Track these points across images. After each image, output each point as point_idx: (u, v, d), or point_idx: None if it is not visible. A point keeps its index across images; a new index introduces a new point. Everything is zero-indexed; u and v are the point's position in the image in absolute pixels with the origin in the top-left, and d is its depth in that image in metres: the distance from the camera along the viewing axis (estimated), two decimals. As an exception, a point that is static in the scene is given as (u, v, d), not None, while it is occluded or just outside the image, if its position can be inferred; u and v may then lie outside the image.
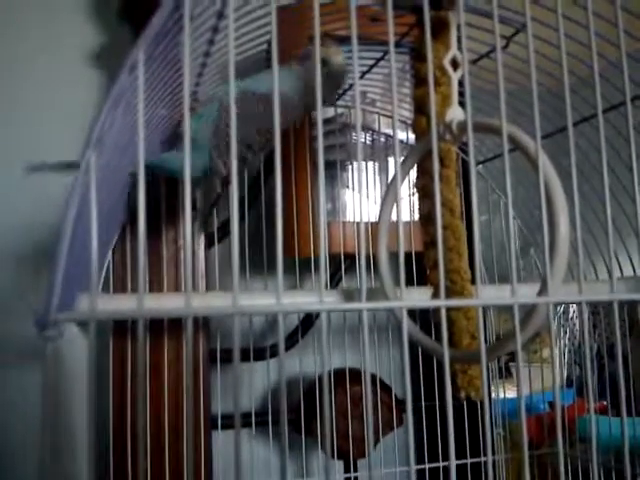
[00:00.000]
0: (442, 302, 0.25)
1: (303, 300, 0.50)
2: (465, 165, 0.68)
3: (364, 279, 0.26)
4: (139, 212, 0.23)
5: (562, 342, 0.92)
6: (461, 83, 0.58)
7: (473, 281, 0.63)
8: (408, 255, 0.65)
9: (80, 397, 0.50)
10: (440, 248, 0.26)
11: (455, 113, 0.38)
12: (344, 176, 0.69)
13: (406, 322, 0.27)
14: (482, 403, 0.26)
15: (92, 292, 0.20)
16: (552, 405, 0.78)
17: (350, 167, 0.69)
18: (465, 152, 0.67)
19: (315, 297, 0.49)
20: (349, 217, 0.68)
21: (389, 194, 0.45)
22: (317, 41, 0.27)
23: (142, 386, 0.27)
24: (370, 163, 0.70)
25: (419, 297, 0.48)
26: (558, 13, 0.33)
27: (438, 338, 0.41)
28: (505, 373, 0.85)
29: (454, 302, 0.37)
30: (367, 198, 0.68)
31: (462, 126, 0.38)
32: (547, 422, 0.76)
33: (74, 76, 0.70)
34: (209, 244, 0.60)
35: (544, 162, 0.33)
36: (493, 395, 0.74)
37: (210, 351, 0.59)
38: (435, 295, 0.41)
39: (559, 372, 0.84)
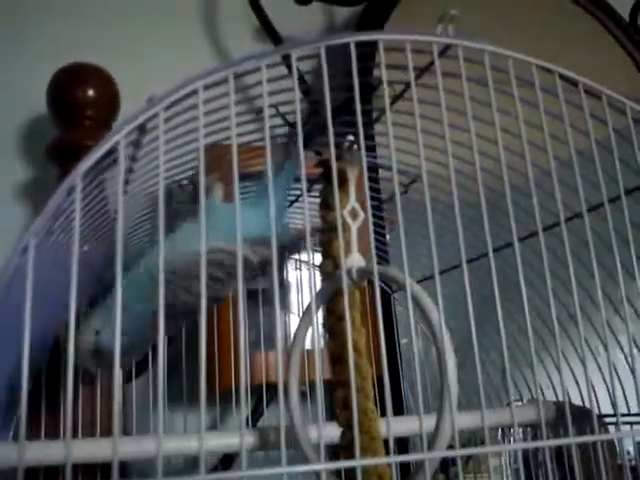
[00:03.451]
0: (358, 462, 0.26)
1: (226, 442, 0.50)
2: (385, 294, 0.71)
3: (284, 443, 0.26)
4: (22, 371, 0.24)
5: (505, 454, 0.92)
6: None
7: (399, 411, 0.63)
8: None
9: None
10: (355, 420, 0.27)
11: (354, 260, 0.41)
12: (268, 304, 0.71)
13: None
14: None
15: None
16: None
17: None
18: (385, 282, 0.71)
19: (237, 438, 0.49)
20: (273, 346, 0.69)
21: (301, 327, 0.47)
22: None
23: None
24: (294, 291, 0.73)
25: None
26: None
27: (346, 477, 0.42)
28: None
29: (369, 461, 0.38)
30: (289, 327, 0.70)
31: (361, 272, 0.41)
32: None
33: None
34: (127, 379, 0.60)
35: (424, 302, 0.35)
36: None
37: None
38: (343, 436, 0.41)
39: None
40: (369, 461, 0.34)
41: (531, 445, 0.30)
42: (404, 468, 0.60)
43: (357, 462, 0.25)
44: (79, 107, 0.65)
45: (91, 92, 0.66)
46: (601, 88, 0.39)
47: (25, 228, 0.72)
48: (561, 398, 0.60)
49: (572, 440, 0.28)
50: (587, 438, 0.30)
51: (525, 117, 0.39)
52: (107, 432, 0.58)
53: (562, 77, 0.38)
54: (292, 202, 0.64)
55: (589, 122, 0.38)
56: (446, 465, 0.82)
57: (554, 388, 0.62)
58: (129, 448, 0.41)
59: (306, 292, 0.74)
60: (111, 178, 0.39)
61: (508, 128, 0.40)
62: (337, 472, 0.45)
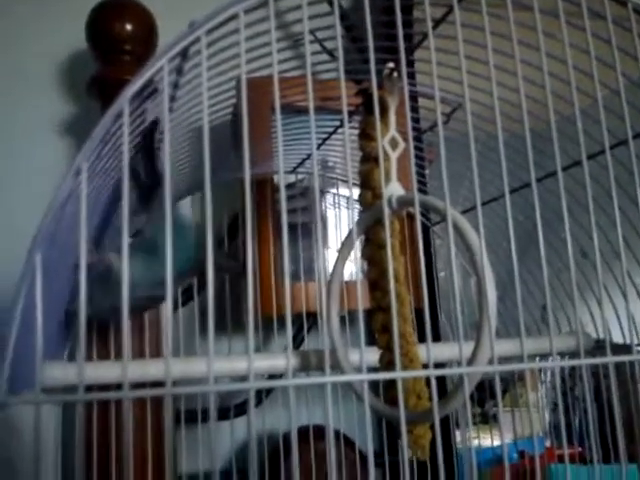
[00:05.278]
0: (398, 374, 0.28)
1: (271, 364, 0.52)
2: (424, 227, 0.71)
3: (327, 352, 0.27)
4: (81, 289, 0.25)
5: (543, 387, 0.94)
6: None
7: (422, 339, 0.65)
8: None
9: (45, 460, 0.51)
10: (395, 325, 0.28)
11: (394, 189, 0.42)
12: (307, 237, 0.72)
13: (367, 394, 0.29)
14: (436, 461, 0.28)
15: (37, 384, 0.23)
16: (522, 454, 0.80)
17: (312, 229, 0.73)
18: (424, 215, 0.71)
19: (282, 360, 0.51)
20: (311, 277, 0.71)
21: (340, 256, 0.47)
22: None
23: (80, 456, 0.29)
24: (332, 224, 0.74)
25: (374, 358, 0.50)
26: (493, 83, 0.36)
27: (384, 397, 0.43)
28: (484, 419, 0.87)
29: (409, 373, 0.40)
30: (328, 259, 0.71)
31: (400, 201, 0.41)
32: (513, 472, 0.77)
33: (42, 144, 0.73)
34: (174, 308, 0.62)
35: (465, 228, 0.35)
36: (461, 443, 0.75)
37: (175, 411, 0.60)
38: (382, 358, 0.43)
39: (539, 418, 0.85)
40: (409, 373, 0.35)
41: (570, 363, 0.31)
42: (441, 393, 0.62)
43: (397, 374, 0.27)
44: (117, 42, 0.65)
45: (129, 26, 0.66)
46: (653, 7, 0.37)
47: (68, 161, 0.74)
48: (601, 333, 0.61)
49: (610, 359, 0.29)
50: (625, 357, 0.31)
51: (572, 42, 0.38)
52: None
53: (610, -4, 0.36)
54: (330, 134, 0.64)
55: (638, 44, 0.37)
56: (482, 400, 0.83)
57: (594, 323, 0.62)
58: (181, 368, 0.43)
59: (343, 228, 0.75)
60: (152, 109, 0.40)
61: (554, 53, 0.39)
62: (376, 393, 0.47)
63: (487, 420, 0.86)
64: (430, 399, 0.44)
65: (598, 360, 0.31)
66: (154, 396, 0.56)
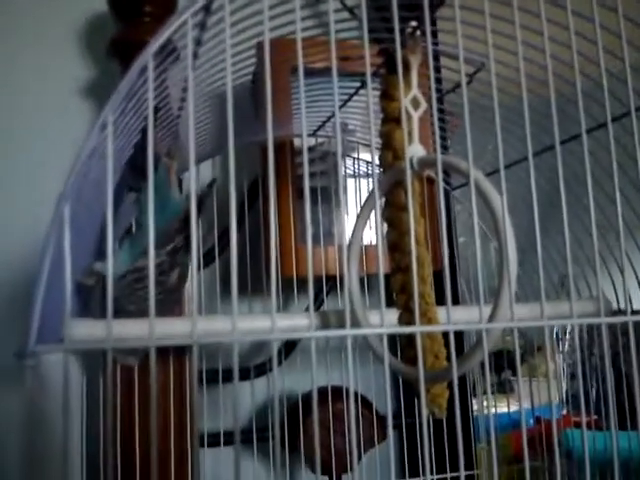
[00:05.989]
0: (417, 328, 0.28)
1: (292, 323, 0.53)
2: (445, 192, 0.71)
3: (348, 307, 0.28)
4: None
5: (560, 357, 0.94)
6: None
7: (440, 303, 0.65)
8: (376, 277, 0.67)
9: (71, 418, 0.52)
10: (415, 283, 0.28)
11: (415, 149, 0.41)
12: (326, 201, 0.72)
13: (386, 346, 0.29)
14: (454, 420, 0.28)
15: (65, 333, 0.23)
16: (537, 420, 0.81)
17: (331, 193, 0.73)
18: (444, 180, 0.70)
19: (303, 320, 0.52)
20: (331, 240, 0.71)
21: (360, 218, 0.47)
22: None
23: (112, 411, 0.30)
24: (351, 188, 0.74)
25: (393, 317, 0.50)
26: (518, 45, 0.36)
27: (402, 356, 0.44)
28: (500, 388, 0.87)
29: (428, 328, 0.40)
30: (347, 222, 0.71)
31: (421, 162, 0.41)
32: (529, 437, 0.78)
33: (64, 107, 0.74)
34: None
35: (487, 190, 0.35)
36: (478, 411, 0.76)
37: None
38: (401, 318, 0.43)
39: (556, 387, 0.86)
40: (429, 328, 0.36)
41: (589, 321, 0.31)
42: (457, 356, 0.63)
43: (417, 328, 0.27)
44: (137, 3, 0.65)
45: (148, -13, 0.65)
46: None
47: (88, 125, 0.74)
48: (621, 304, 0.60)
49: (629, 318, 0.29)
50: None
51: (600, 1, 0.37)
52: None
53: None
54: (351, 96, 0.63)
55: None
56: (500, 366, 0.84)
57: (615, 292, 0.62)
58: (205, 325, 0.44)
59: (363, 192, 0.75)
60: (172, 69, 0.40)
61: (581, 12, 0.38)
62: (394, 353, 0.47)
63: (504, 389, 0.87)
64: (448, 359, 0.44)
65: (618, 319, 0.31)
66: (177, 352, 0.57)
